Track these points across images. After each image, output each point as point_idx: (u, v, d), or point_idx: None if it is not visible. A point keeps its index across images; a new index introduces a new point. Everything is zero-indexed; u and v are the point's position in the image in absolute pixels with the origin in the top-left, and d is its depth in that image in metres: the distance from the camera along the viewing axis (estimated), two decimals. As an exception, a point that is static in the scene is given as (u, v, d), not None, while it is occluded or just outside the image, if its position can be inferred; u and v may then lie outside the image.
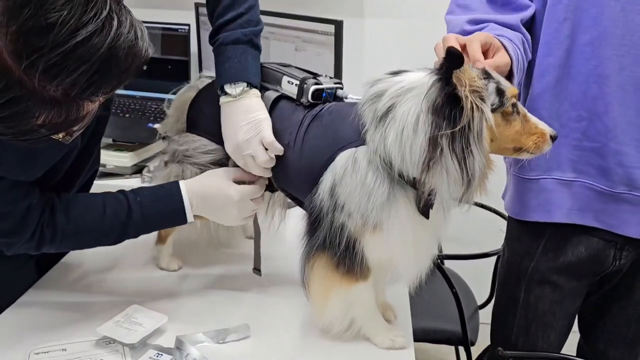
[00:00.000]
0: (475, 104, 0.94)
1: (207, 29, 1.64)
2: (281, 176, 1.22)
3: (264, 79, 1.24)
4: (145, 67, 0.90)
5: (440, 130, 0.93)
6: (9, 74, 0.79)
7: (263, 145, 1.17)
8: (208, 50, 1.27)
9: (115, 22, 0.81)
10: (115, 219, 1.15)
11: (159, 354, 1.09)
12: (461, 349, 1.96)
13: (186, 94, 1.33)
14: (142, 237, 1.22)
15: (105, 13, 0.79)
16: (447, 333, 1.87)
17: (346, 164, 1.05)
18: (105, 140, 1.89)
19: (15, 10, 0.76)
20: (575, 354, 1.50)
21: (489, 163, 1.01)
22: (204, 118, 1.26)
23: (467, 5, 1.25)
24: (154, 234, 1.36)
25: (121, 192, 1.19)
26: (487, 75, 0.99)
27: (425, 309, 1.64)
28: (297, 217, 1.20)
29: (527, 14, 1.22)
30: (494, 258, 1.98)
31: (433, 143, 0.94)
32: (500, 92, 0.99)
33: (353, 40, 2.21)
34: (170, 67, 2.34)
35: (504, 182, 1.43)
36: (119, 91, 0.91)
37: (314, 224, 1.10)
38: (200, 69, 2.30)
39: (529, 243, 1.37)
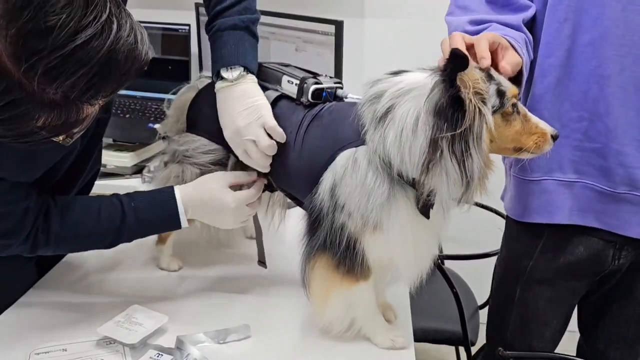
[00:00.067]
0: (477, 107, 0.94)
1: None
2: (281, 176, 1.22)
3: (263, 79, 1.24)
4: (145, 68, 0.90)
5: (441, 132, 0.93)
6: (9, 77, 0.79)
7: (264, 130, 1.16)
8: (208, 50, 1.27)
9: (114, 26, 0.81)
10: (110, 223, 1.15)
11: (159, 354, 1.09)
12: (461, 349, 1.96)
13: (186, 94, 1.33)
14: (142, 238, 1.22)
15: (104, 16, 0.79)
16: (447, 333, 1.87)
17: (346, 164, 1.05)
18: (106, 140, 1.89)
19: (14, 13, 0.76)
20: (575, 354, 1.50)
21: (488, 164, 1.01)
22: (204, 118, 1.26)
23: (467, 6, 1.24)
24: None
25: (116, 196, 1.19)
26: (489, 77, 0.99)
27: (425, 309, 1.64)
28: (297, 217, 1.20)
29: (528, 14, 1.22)
30: (494, 258, 1.97)
31: (433, 145, 0.94)
32: (500, 94, 0.99)
33: (353, 40, 2.21)
34: (170, 67, 2.34)
35: (503, 183, 1.43)
36: (119, 91, 0.91)
37: (314, 224, 1.10)
38: (201, 69, 2.31)
39: (528, 243, 1.37)
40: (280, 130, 1.16)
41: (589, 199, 1.26)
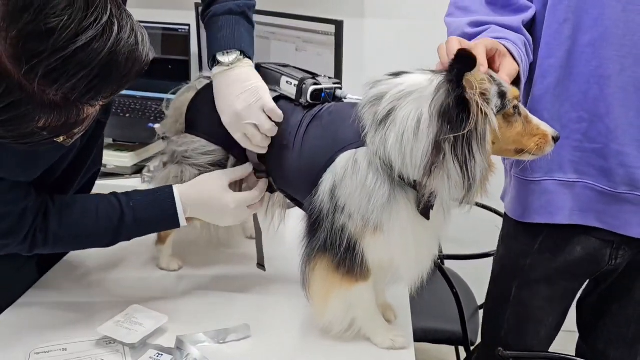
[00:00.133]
0: (482, 109, 0.94)
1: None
2: (280, 177, 1.22)
3: (262, 79, 1.24)
4: (146, 69, 0.90)
5: (445, 134, 0.93)
6: (9, 78, 0.79)
7: (264, 112, 1.15)
8: (209, 50, 1.26)
9: (115, 27, 0.80)
10: (108, 222, 1.15)
11: (159, 354, 1.09)
12: (461, 349, 1.96)
13: (185, 94, 1.33)
14: (142, 237, 1.23)
15: (105, 18, 0.79)
16: (447, 333, 1.87)
17: (346, 166, 1.05)
18: (106, 140, 1.88)
19: (15, 15, 0.76)
20: (574, 354, 1.50)
21: (490, 166, 1.01)
22: (203, 119, 1.26)
23: (466, 7, 1.24)
24: (154, 234, 1.35)
25: (114, 195, 1.19)
26: (490, 78, 0.99)
27: (425, 309, 1.64)
28: (297, 218, 1.20)
29: (528, 15, 1.22)
30: (494, 258, 1.98)
31: (436, 147, 0.94)
32: (502, 95, 0.99)
33: (353, 40, 2.21)
34: (170, 67, 2.34)
35: (502, 183, 1.43)
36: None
37: (314, 225, 1.10)
38: (201, 69, 2.31)
39: (526, 242, 1.37)
40: (279, 111, 1.15)
41: (589, 199, 1.26)
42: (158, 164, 1.41)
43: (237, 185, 1.25)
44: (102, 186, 1.37)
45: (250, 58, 1.20)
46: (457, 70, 0.92)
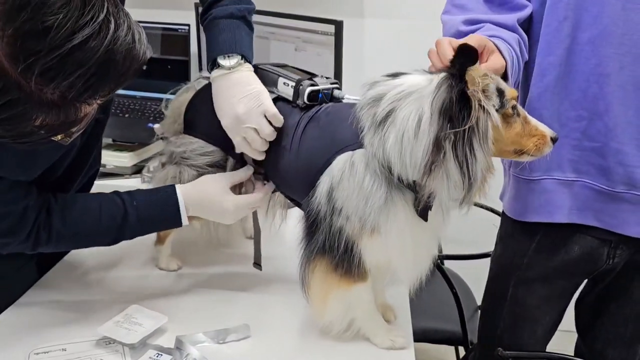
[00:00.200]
0: (483, 105, 0.93)
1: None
2: (278, 178, 1.22)
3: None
4: (144, 67, 0.90)
5: (447, 130, 0.92)
6: (6, 77, 0.79)
7: (265, 117, 1.16)
8: (208, 50, 1.26)
9: (112, 25, 0.80)
10: (112, 221, 1.15)
11: (159, 354, 1.09)
12: (461, 349, 1.96)
13: (183, 95, 1.33)
14: (142, 237, 1.23)
15: (102, 16, 0.79)
16: (447, 333, 1.87)
17: (343, 168, 1.04)
18: (105, 140, 1.89)
19: (12, 14, 0.76)
20: (573, 354, 1.50)
21: (490, 167, 1.01)
22: (202, 120, 1.26)
23: (463, 5, 1.24)
24: (154, 234, 1.35)
25: (117, 194, 1.19)
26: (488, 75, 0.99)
27: (425, 309, 1.64)
28: (297, 218, 1.19)
29: (524, 13, 1.22)
30: (494, 258, 1.98)
31: (437, 145, 0.93)
32: (500, 93, 0.99)
33: (353, 40, 2.21)
34: (170, 67, 2.34)
35: (501, 183, 1.43)
36: (119, 91, 0.91)
37: (311, 227, 1.09)
38: (200, 69, 2.31)
39: (523, 241, 1.37)
40: (281, 117, 1.16)
41: (588, 198, 1.26)
42: (157, 164, 1.41)
43: (237, 188, 1.25)
44: (102, 186, 1.36)
45: (250, 63, 1.20)
46: (460, 65, 0.92)
